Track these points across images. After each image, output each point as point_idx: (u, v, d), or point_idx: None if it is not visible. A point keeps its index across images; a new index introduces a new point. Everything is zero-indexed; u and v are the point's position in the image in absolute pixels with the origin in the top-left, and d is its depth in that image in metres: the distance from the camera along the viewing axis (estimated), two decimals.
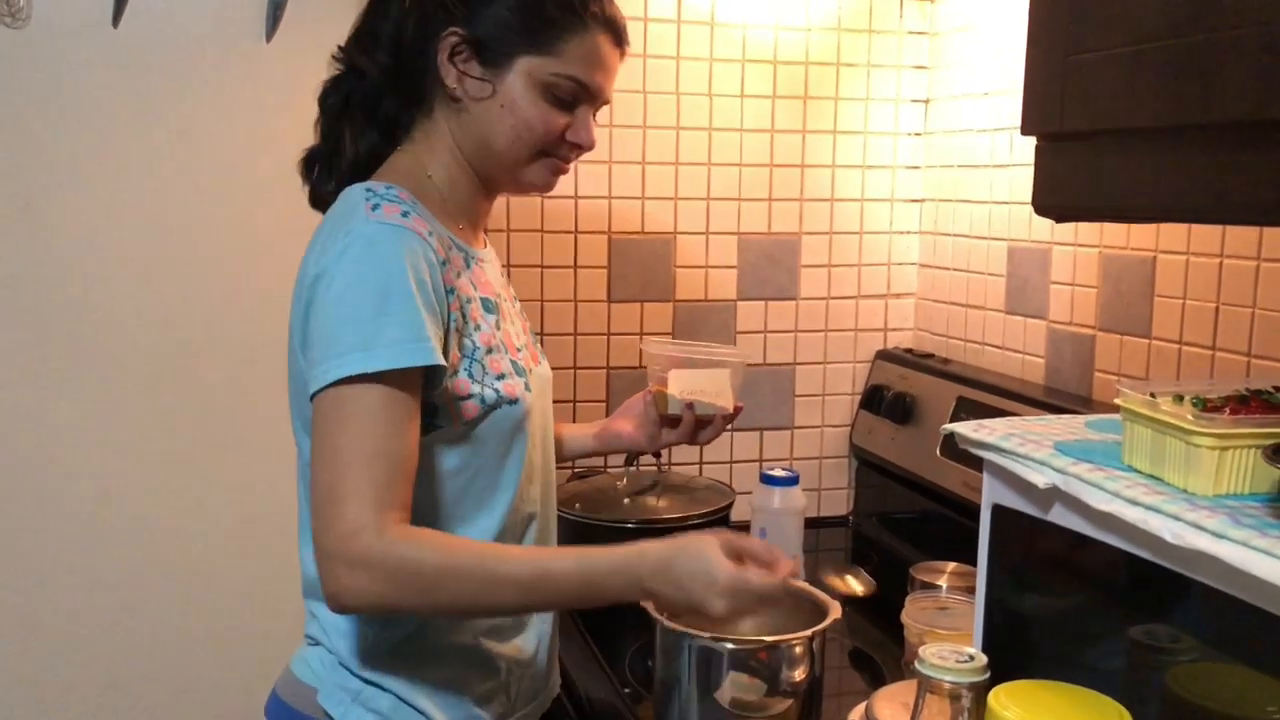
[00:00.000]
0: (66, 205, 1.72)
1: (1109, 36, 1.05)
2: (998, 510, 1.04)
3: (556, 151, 1.21)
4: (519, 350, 1.23)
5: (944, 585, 1.53)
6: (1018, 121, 1.79)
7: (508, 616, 1.20)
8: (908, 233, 2.11)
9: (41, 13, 1.66)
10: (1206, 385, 0.95)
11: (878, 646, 1.59)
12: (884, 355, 2.10)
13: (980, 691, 0.95)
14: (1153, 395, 0.91)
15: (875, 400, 2.03)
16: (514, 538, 1.22)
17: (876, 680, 1.50)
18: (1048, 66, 1.16)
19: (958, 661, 0.94)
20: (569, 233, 1.94)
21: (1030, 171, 1.77)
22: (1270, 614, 0.75)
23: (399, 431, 1.04)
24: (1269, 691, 0.83)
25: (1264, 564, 0.73)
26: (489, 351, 1.16)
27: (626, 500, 1.81)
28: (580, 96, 1.19)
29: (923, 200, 2.10)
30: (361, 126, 1.20)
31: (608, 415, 1.78)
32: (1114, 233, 1.64)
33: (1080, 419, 1.09)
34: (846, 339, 2.11)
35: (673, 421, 1.49)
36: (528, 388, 1.20)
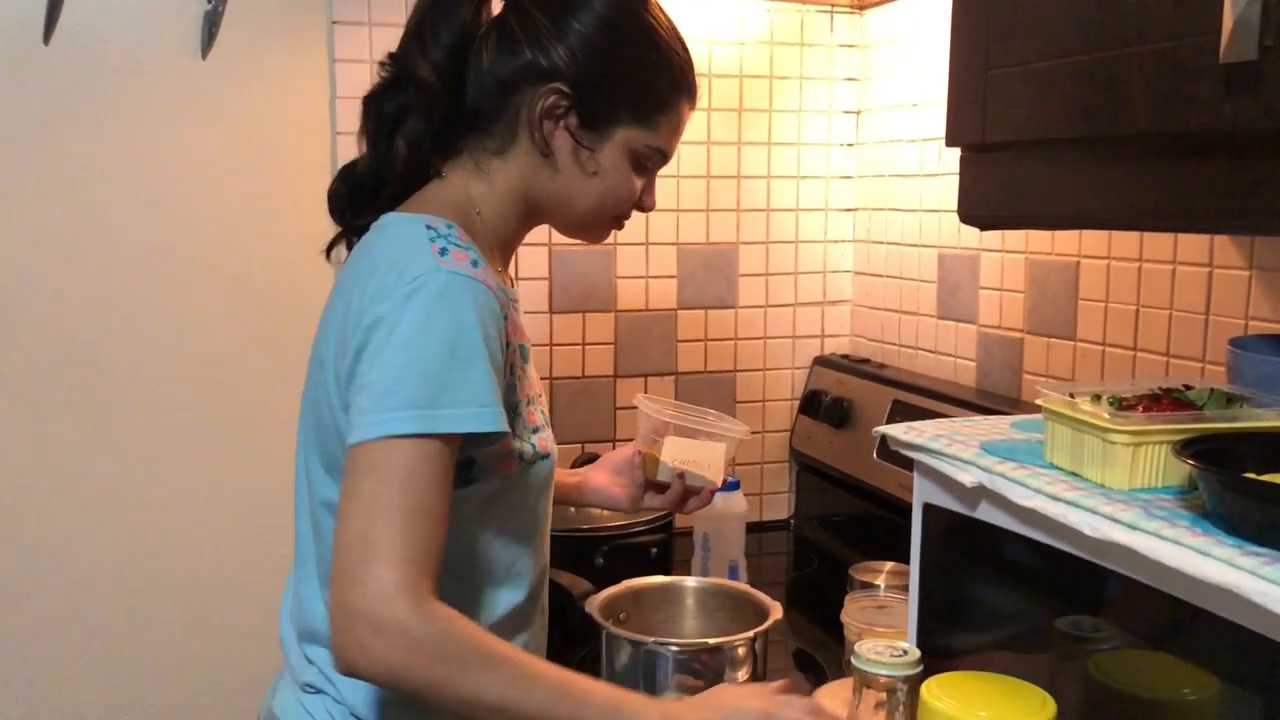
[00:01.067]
0: None
1: (1026, 51, 1.10)
2: (928, 509, 1.08)
3: (626, 214, 1.20)
4: (540, 396, 1.19)
5: (882, 584, 1.57)
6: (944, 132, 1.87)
7: None
8: (842, 241, 2.15)
9: None
10: (1126, 385, 0.99)
11: (819, 646, 1.63)
12: (821, 361, 2.14)
13: (914, 685, 0.98)
14: (1072, 395, 0.95)
15: (814, 405, 2.07)
16: (540, 587, 1.19)
17: (819, 679, 1.53)
18: (969, 80, 1.20)
19: (892, 656, 0.98)
20: None
21: (957, 180, 1.85)
22: (1180, 601, 0.79)
23: (441, 492, 0.97)
24: (1183, 675, 0.87)
25: (1173, 552, 0.77)
26: (528, 404, 1.12)
27: (573, 510, 1.82)
28: (659, 163, 1.18)
29: (856, 209, 2.15)
30: (418, 142, 1.11)
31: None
32: (1039, 239, 1.69)
33: (1006, 420, 1.13)
34: (785, 346, 2.15)
35: (659, 488, 1.45)
36: (553, 440, 1.17)
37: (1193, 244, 1.41)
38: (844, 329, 2.18)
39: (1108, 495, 0.87)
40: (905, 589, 1.51)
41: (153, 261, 1.78)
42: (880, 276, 2.10)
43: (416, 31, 1.12)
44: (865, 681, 0.99)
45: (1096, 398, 0.95)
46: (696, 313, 2.08)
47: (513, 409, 1.08)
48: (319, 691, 1.11)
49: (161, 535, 1.83)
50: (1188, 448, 0.84)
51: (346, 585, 0.93)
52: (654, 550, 1.78)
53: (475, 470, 1.06)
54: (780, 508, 2.18)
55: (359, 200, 1.13)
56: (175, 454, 1.82)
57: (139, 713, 1.84)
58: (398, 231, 1.05)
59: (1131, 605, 0.90)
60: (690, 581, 1.52)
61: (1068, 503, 0.88)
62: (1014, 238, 1.74)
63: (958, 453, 1.01)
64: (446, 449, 0.97)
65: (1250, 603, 0.70)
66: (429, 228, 1.03)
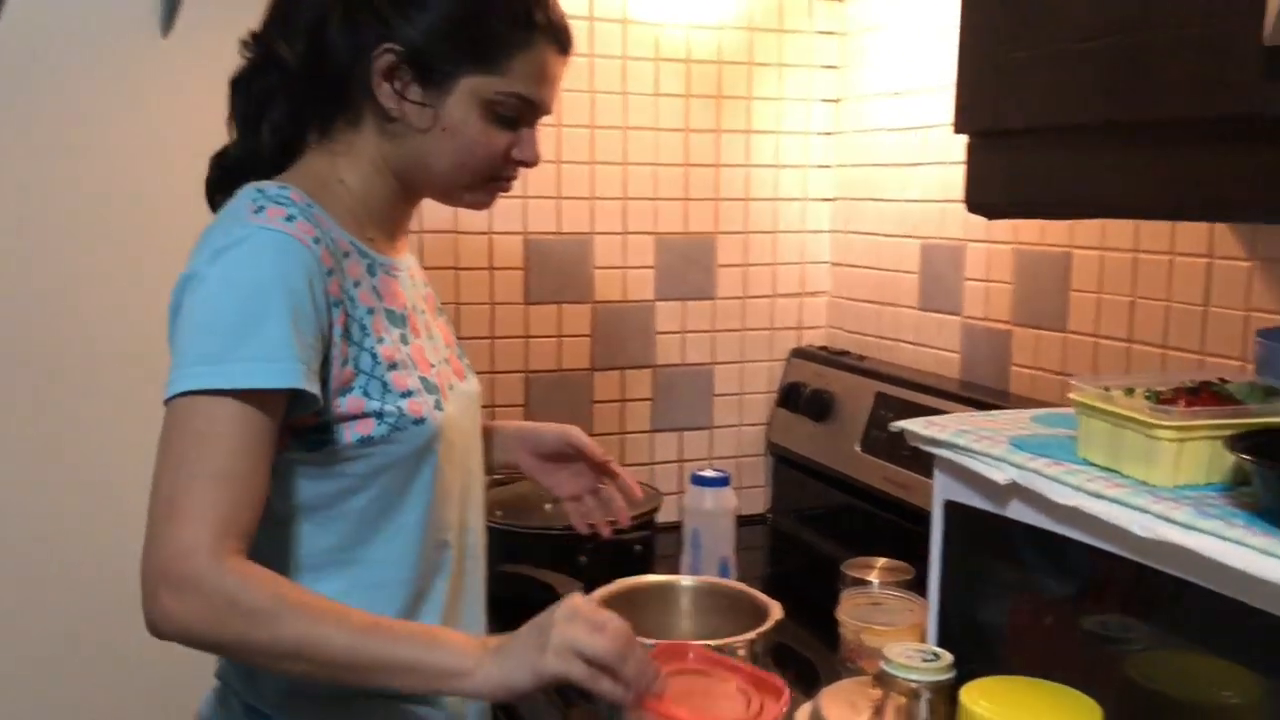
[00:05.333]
0: None
1: (1046, 35, 1.06)
2: (950, 506, 1.05)
3: (501, 173, 1.15)
4: (432, 366, 1.16)
5: (876, 581, 1.54)
6: (930, 120, 1.86)
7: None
8: (820, 231, 2.12)
9: None
10: (1155, 378, 0.97)
11: (804, 644, 1.59)
12: (799, 353, 2.11)
13: (942, 690, 0.96)
14: (1106, 389, 0.93)
15: (793, 398, 2.04)
16: (428, 565, 1.14)
17: (809, 678, 1.50)
18: (981, 65, 1.16)
19: (924, 661, 0.95)
20: (483, 233, 1.90)
21: (942, 170, 1.84)
22: (1239, 603, 0.77)
23: (248, 452, 0.96)
24: (1225, 677, 0.85)
25: (1237, 554, 0.74)
26: (392, 367, 1.08)
27: (548, 506, 1.78)
28: (526, 114, 1.13)
29: (835, 199, 2.12)
30: (284, 123, 1.11)
31: (525, 419, 1.74)
32: (1028, 229, 1.67)
33: (1026, 413, 1.11)
34: (763, 338, 2.11)
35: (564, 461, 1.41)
36: (438, 406, 1.12)
37: (1191, 234, 1.40)
38: (821, 321, 2.15)
39: (1154, 493, 0.84)
40: (900, 585, 1.50)
41: (109, 252, 1.69)
42: (859, 267, 2.07)
43: (277, 11, 1.12)
44: (894, 686, 0.96)
45: (1129, 391, 0.93)
46: (674, 304, 2.04)
47: (367, 370, 1.06)
48: (227, 686, 1.11)
49: (92, 530, 1.73)
50: (1239, 443, 0.81)
51: (150, 548, 0.93)
52: (638, 547, 1.74)
53: (330, 432, 1.04)
54: (757, 502, 2.15)
55: (233, 186, 1.10)
56: (100, 443, 1.72)
57: (83, 713, 1.75)
58: (235, 197, 1.05)
59: (1170, 605, 0.87)
60: (686, 581, 1.48)
61: (1112, 500, 0.85)
62: (1001, 228, 1.72)
63: (987, 449, 0.98)
64: (260, 412, 0.96)
65: None
66: (259, 191, 1.03)
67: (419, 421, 1.09)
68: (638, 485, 1.43)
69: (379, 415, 1.06)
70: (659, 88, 1.97)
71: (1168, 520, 0.80)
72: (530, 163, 1.16)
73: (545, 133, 1.93)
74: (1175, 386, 0.93)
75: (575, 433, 1.40)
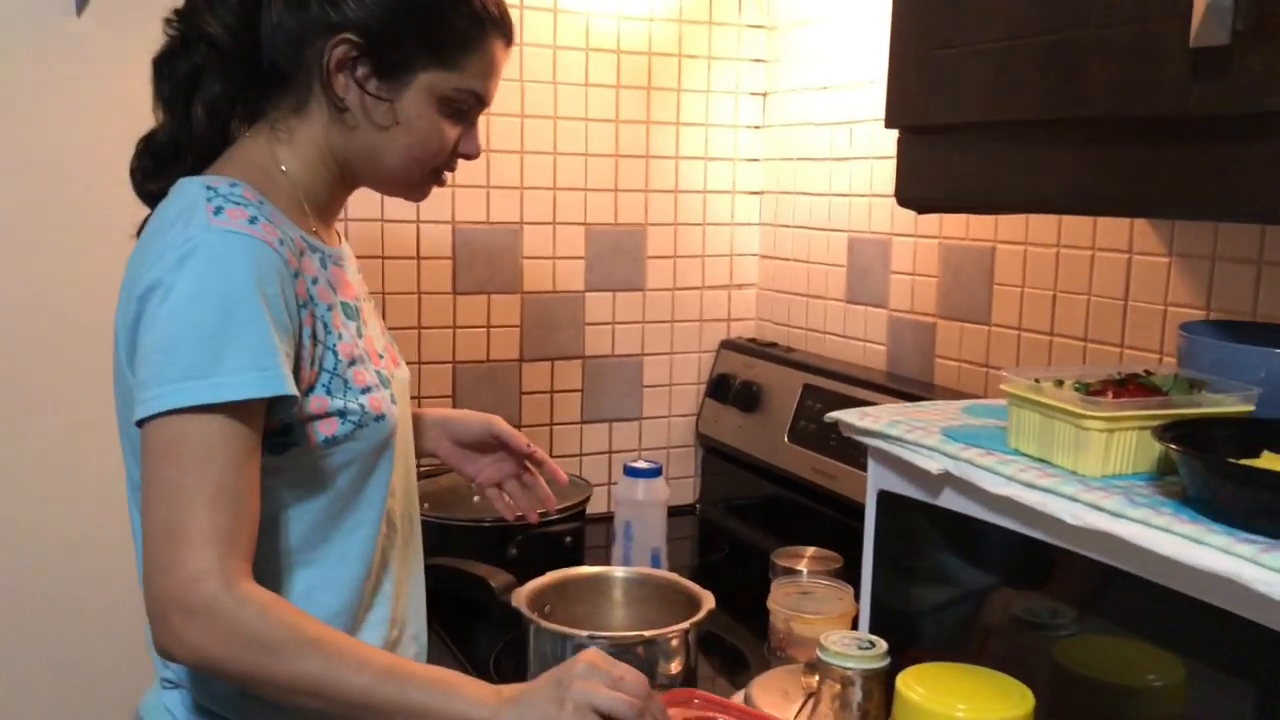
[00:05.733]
0: None
1: (977, 31, 1.08)
2: (884, 496, 1.06)
3: (445, 165, 1.14)
4: (381, 357, 1.15)
5: (805, 570, 1.56)
6: (858, 115, 1.88)
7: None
8: (748, 224, 2.13)
9: None
10: (1081, 370, 0.99)
11: (731, 632, 1.60)
12: (728, 345, 2.12)
13: (877, 677, 0.97)
14: (1037, 380, 0.95)
15: (722, 389, 2.05)
16: (381, 558, 1.13)
17: (737, 666, 1.51)
18: (912, 60, 1.17)
19: (859, 649, 0.96)
20: (411, 222, 1.87)
21: (869, 164, 1.86)
22: (1166, 588, 0.79)
23: (241, 467, 0.94)
24: (1151, 660, 0.87)
25: (1165, 541, 0.77)
26: (351, 364, 1.07)
27: (477, 498, 1.76)
28: (475, 108, 1.12)
29: (762, 192, 2.13)
30: (217, 104, 1.06)
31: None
32: (953, 224, 1.70)
33: (957, 404, 1.13)
34: (692, 329, 2.12)
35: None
36: (393, 399, 1.11)
37: (1112, 230, 1.44)
38: (750, 313, 2.16)
39: (1084, 482, 0.86)
40: (829, 574, 1.51)
41: (24, 236, 1.63)
42: (787, 260, 2.09)
43: None
44: (829, 674, 0.97)
45: (1059, 383, 0.95)
46: (604, 295, 2.03)
47: (330, 369, 1.04)
48: (176, 686, 1.08)
49: (30, 529, 1.68)
50: (1166, 433, 0.83)
51: (156, 574, 0.91)
52: (568, 539, 1.74)
53: (294, 434, 1.02)
54: (686, 492, 2.16)
55: (161, 170, 1.08)
56: (44, 444, 1.68)
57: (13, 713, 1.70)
58: (179, 193, 1.01)
59: (1099, 591, 0.90)
60: (619, 572, 1.47)
61: (1044, 490, 0.87)
62: (927, 223, 1.75)
63: (919, 439, 1.00)
64: (241, 418, 0.94)
65: (1250, 590, 0.70)
66: (208, 188, 0.99)
67: (379, 418, 1.08)
68: (562, 471, 1.42)
69: (342, 414, 1.04)
70: (589, 78, 1.96)
71: (1097, 509, 0.82)
72: (474, 155, 1.15)
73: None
74: (1103, 379, 0.95)
75: (498, 422, 1.39)
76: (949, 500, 0.99)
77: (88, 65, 1.62)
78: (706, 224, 2.10)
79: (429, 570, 1.27)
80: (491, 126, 1.89)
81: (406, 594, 1.19)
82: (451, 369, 1.93)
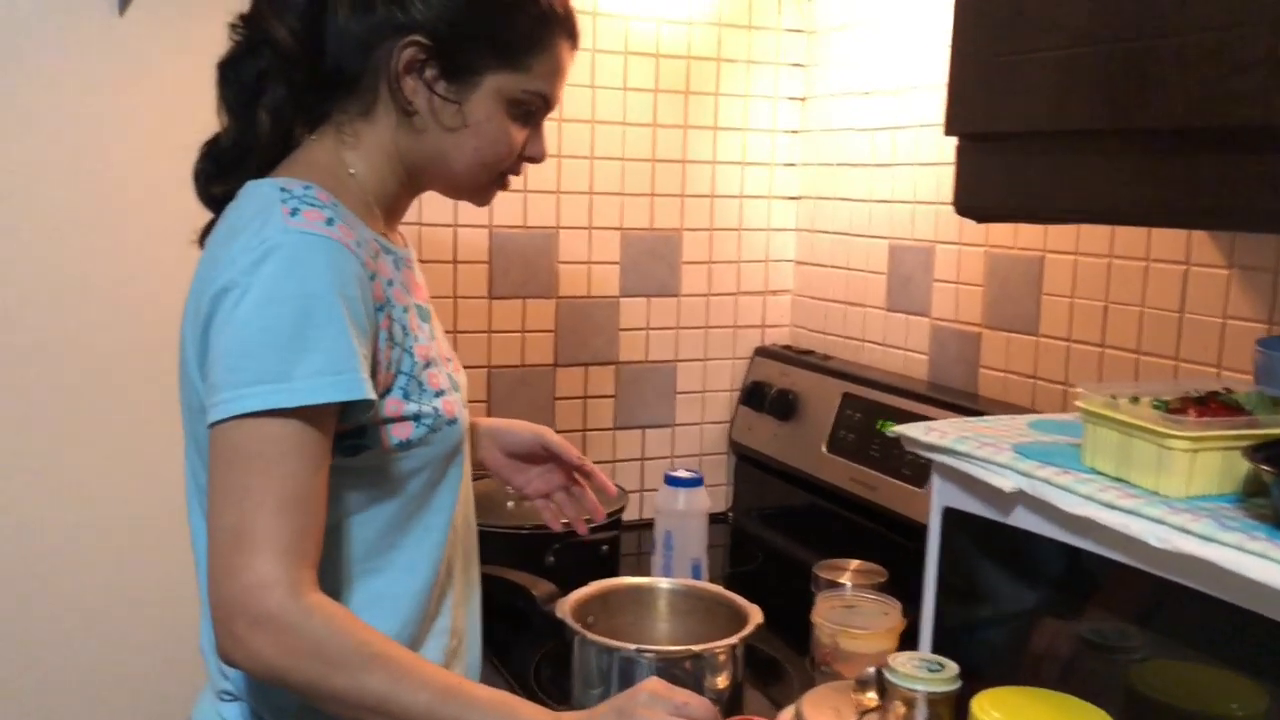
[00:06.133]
0: None
1: (1042, 39, 1.05)
2: (949, 513, 1.04)
3: (511, 168, 1.12)
4: (449, 360, 1.14)
5: (848, 583, 1.53)
6: (900, 121, 1.85)
7: None
8: (785, 230, 2.11)
9: None
10: (1151, 386, 0.97)
11: (769, 645, 1.58)
12: (763, 352, 2.10)
13: (945, 700, 0.95)
14: (1114, 397, 0.92)
15: (757, 397, 2.02)
16: (446, 567, 1.12)
17: (777, 679, 1.49)
18: (974, 66, 1.15)
19: (929, 670, 0.93)
20: (448, 226, 1.85)
21: (912, 170, 1.83)
22: (1252, 614, 0.77)
23: (312, 473, 0.92)
24: (1233, 688, 0.85)
25: (1262, 568, 0.74)
26: (427, 365, 1.05)
27: (511, 504, 1.74)
28: (542, 110, 1.11)
29: (799, 198, 2.11)
30: (284, 108, 1.05)
31: (489, 415, 1.70)
32: (1000, 232, 1.68)
33: (1021, 419, 1.10)
34: (726, 335, 2.10)
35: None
36: (464, 404, 1.10)
37: (1168, 240, 1.41)
38: (784, 319, 2.14)
39: (1169, 504, 0.84)
40: (873, 588, 1.49)
41: (68, 234, 1.62)
42: (824, 267, 2.06)
43: None
44: (898, 695, 0.95)
45: (1135, 400, 0.93)
46: (639, 300, 2.01)
47: (407, 371, 1.03)
48: (235, 699, 1.06)
49: (74, 541, 1.67)
50: (1257, 454, 0.81)
51: (222, 578, 0.90)
52: (605, 547, 1.72)
53: (368, 437, 1.00)
54: (719, 500, 2.13)
55: (225, 175, 1.06)
56: (89, 452, 1.66)
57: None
58: (250, 195, 0.99)
59: (1178, 615, 0.87)
60: (664, 583, 1.45)
61: (1127, 511, 0.84)
62: (973, 231, 1.72)
63: (990, 455, 0.97)
64: (314, 423, 0.92)
65: None
66: (283, 189, 0.98)
67: (452, 422, 1.07)
68: (611, 483, 1.41)
69: (416, 417, 1.03)
70: (627, 81, 1.94)
71: (1186, 532, 0.80)
72: (540, 159, 1.13)
73: None
74: (1181, 396, 0.92)
75: (549, 434, 1.37)
76: (1020, 519, 0.96)
77: (131, 64, 1.61)
78: (742, 229, 2.08)
79: None
80: None
81: (465, 603, 1.18)
82: (486, 374, 1.92)
